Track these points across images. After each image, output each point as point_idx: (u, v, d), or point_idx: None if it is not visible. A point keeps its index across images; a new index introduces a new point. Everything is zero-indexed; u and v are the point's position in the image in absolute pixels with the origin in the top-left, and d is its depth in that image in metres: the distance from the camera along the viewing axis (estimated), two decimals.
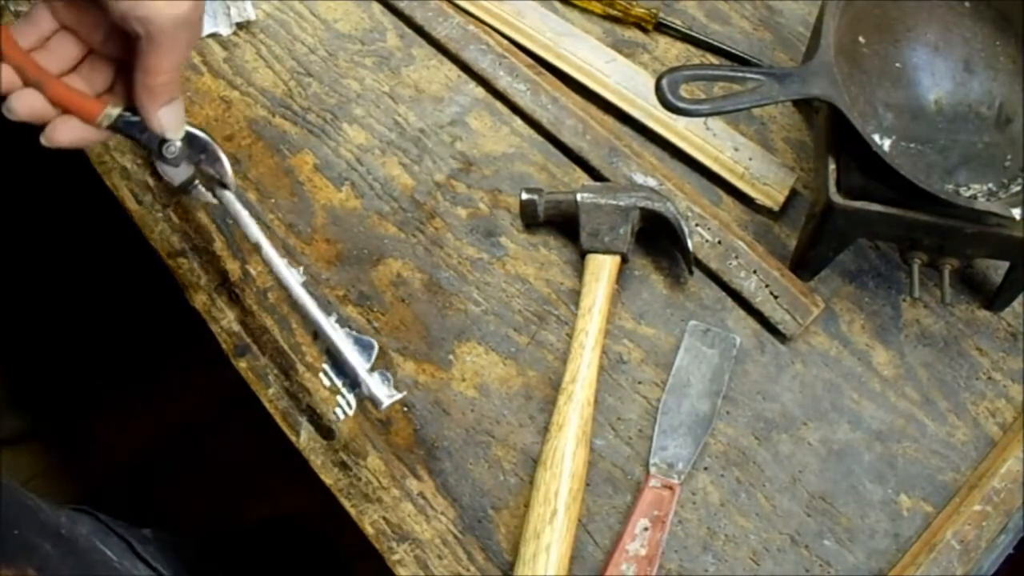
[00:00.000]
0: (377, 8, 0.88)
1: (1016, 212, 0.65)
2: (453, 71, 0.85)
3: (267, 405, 0.72)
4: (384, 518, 0.67)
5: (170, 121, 0.61)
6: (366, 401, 0.65)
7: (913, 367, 0.73)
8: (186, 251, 0.77)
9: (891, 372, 0.72)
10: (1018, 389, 0.72)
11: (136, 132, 0.62)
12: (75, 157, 0.83)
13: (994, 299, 0.74)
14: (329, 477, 0.69)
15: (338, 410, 0.66)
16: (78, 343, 1.32)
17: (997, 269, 0.75)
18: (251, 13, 0.87)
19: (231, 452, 1.30)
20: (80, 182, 0.89)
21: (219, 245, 0.77)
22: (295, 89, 0.84)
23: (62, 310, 1.33)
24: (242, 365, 0.73)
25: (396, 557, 0.66)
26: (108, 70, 0.62)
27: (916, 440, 0.70)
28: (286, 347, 0.73)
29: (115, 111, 0.61)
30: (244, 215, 0.67)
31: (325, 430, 0.70)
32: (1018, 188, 0.71)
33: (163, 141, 0.63)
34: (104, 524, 0.77)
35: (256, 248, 0.67)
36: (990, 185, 0.72)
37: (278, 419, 0.71)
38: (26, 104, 0.58)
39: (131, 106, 0.62)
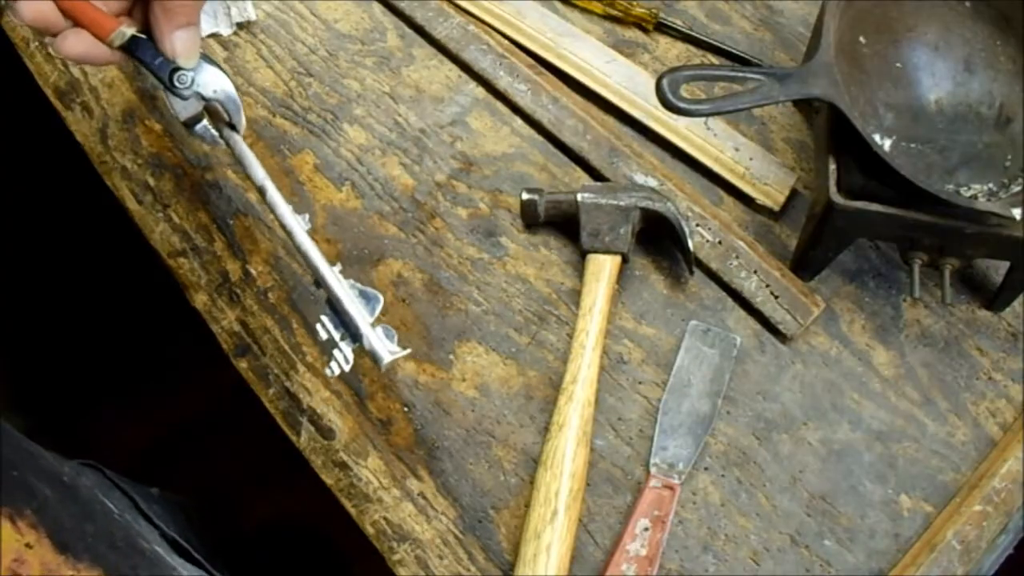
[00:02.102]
0: (378, 8, 0.88)
1: (1016, 212, 0.65)
2: (454, 71, 0.85)
3: (268, 405, 0.72)
4: (385, 518, 0.67)
5: (184, 46, 0.59)
6: (366, 357, 0.61)
7: (913, 367, 0.73)
8: (187, 251, 0.77)
9: (891, 372, 0.72)
10: (1018, 389, 0.72)
11: (148, 57, 0.60)
12: (75, 157, 0.83)
13: (994, 299, 0.74)
14: (330, 477, 0.69)
15: (333, 364, 0.61)
16: (79, 343, 1.32)
17: (997, 269, 0.75)
18: (252, 13, 0.87)
19: (231, 452, 1.30)
20: (81, 182, 0.89)
21: (220, 245, 0.77)
22: (296, 89, 0.84)
23: (63, 310, 1.33)
24: (243, 365, 0.73)
25: (397, 557, 0.66)
26: None
27: (916, 440, 0.70)
28: (287, 347, 0.73)
29: (129, 31, 0.59)
30: (250, 156, 0.64)
31: (326, 430, 0.70)
32: (1018, 188, 0.71)
33: (175, 70, 0.60)
34: (109, 480, 0.77)
35: (261, 191, 0.64)
36: (990, 185, 0.72)
37: (279, 419, 0.71)
38: (34, 8, 0.56)
39: (146, 30, 0.60)
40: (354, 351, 0.61)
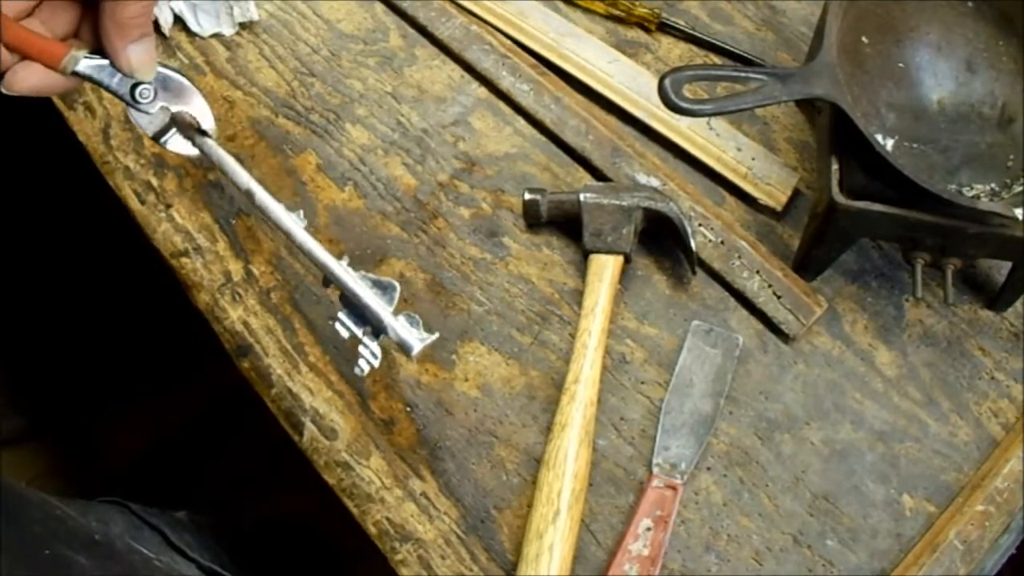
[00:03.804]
0: (380, 8, 0.88)
1: (1019, 212, 0.65)
2: (456, 71, 0.85)
3: (270, 405, 0.72)
4: (387, 518, 0.67)
5: (140, 59, 0.57)
6: (393, 350, 0.59)
7: (916, 367, 0.73)
8: (189, 251, 0.77)
9: (894, 372, 0.72)
10: (1020, 389, 0.72)
11: (105, 77, 0.57)
12: (76, 156, 0.83)
13: (997, 299, 0.74)
14: (332, 477, 0.69)
15: (362, 362, 0.59)
16: (80, 343, 1.32)
17: (1000, 269, 0.75)
18: (254, 13, 0.87)
19: (233, 452, 1.30)
20: (83, 182, 0.89)
21: (222, 245, 0.77)
22: (298, 89, 0.84)
23: (64, 310, 1.33)
24: (245, 365, 0.73)
25: (399, 557, 0.66)
26: (71, 13, 0.57)
27: (919, 440, 0.70)
28: (289, 347, 0.73)
29: (80, 53, 0.56)
30: (229, 161, 0.61)
31: (328, 430, 0.70)
32: (1020, 188, 0.71)
33: (135, 85, 0.58)
34: (136, 515, 0.76)
35: (248, 196, 0.60)
36: (993, 185, 0.73)
37: (281, 419, 0.71)
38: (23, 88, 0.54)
39: (98, 50, 0.57)
40: (381, 344, 0.59)
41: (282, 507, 1.25)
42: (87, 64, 0.56)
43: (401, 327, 0.58)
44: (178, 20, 0.86)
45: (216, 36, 0.87)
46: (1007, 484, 0.67)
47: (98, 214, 0.99)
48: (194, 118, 0.60)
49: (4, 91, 0.55)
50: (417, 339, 0.58)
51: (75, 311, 1.33)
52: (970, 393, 0.72)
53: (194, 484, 1.30)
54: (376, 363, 0.59)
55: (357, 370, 0.60)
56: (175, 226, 0.78)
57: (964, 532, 0.65)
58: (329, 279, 0.60)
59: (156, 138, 0.60)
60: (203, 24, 0.86)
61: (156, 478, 1.31)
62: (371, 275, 0.59)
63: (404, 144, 0.82)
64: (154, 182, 0.80)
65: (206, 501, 1.28)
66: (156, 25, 0.85)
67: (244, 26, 0.87)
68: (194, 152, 0.61)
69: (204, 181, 0.80)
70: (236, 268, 0.76)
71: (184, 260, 0.77)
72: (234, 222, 0.78)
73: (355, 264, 0.76)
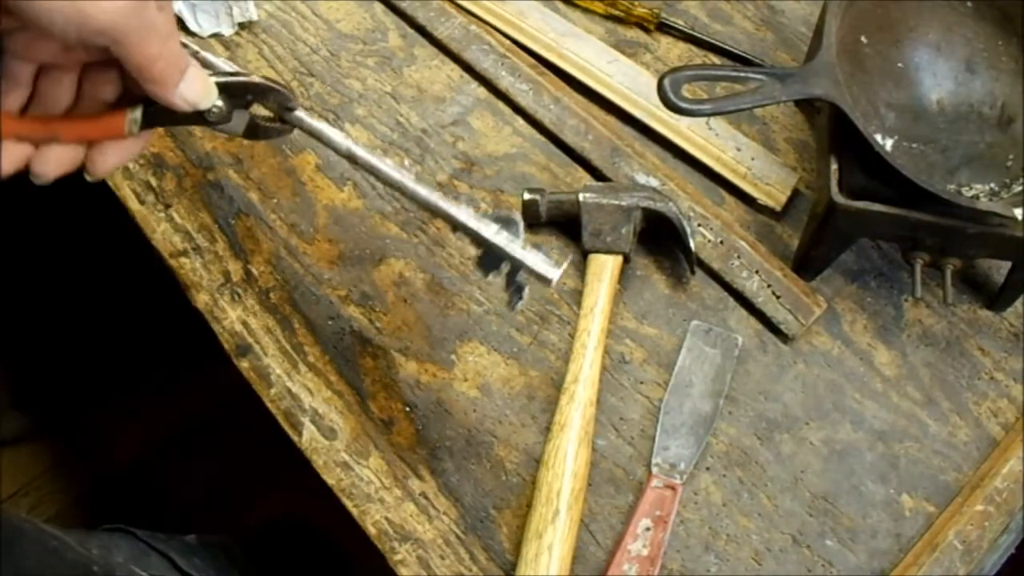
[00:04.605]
0: (379, 8, 0.88)
1: (1018, 212, 0.65)
2: (455, 71, 0.85)
3: (269, 405, 0.72)
4: (386, 518, 0.67)
5: (194, 93, 0.55)
6: (531, 283, 0.58)
7: (915, 367, 0.73)
8: (188, 251, 0.77)
9: (893, 372, 0.72)
10: (1020, 389, 0.72)
11: (171, 118, 0.56)
12: None
13: (996, 299, 0.74)
14: (331, 477, 0.69)
15: (517, 301, 0.59)
16: (80, 343, 1.32)
17: (999, 269, 0.75)
18: (253, 13, 0.87)
19: (233, 452, 1.30)
20: (82, 182, 0.89)
21: (221, 245, 0.77)
22: (297, 89, 0.84)
23: (64, 310, 1.33)
24: (244, 365, 0.73)
25: (398, 557, 0.66)
26: (111, 73, 0.56)
27: (918, 440, 0.70)
28: (288, 347, 0.73)
29: (138, 111, 0.55)
30: (325, 127, 0.60)
31: (327, 430, 0.70)
32: (1020, 188, 0.71)
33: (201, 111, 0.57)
34: (142, 541, 0.75)
35: (350, 157, 0.60)
36: (992, 185, 0.73)
37: (280, 419, 0.71)
38: (52, 162, 0.53)
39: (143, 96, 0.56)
40: (523, 280, 0.59)
41: (281, 507, 1.25)
42: (149, 116, 0.55)
43: (535, 259, 0.58)
44: (177, 20, 0.86)
45: (215, 36, 0.87)
46: (1007, 484, 0.67)
47: (97, 214, 0.99)
48: (272, 102, 0.59)
49: (90, 180, 0.55)
50: (554, 269, 0.57)
51: (75, 311, 1.33)
52: (969, 393, 0.72)
53: (194, 484, 1.30)
54: (527, 295, 0.59)
55: (511, 308, 0.60)
56: (174, 226, 0.78)
57: (964, 532, 0.65)
58: (456, 226, 0.60)
59: (250, 136, 0.60)
60: (202, 24, 0.86)
61: (156, 478, 1.31)
62: (492, 212, 0.59)
63: (403, 144, 0.82)
64: (153, 182, 0.80)
65: (206, 501, 1.28)
66: (230, 16, 0.85)
67: (243, 26, 0.87)
68: (290, 132, 0.60)
69: (203, 181, 0.80)
70: (235, 268, 0.76)
71: (183, 260, 0.77)
72: (233, 222, 0.78)
73: (354, 263, 0.76)
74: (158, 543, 0.75)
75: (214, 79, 0.57)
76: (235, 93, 0.58)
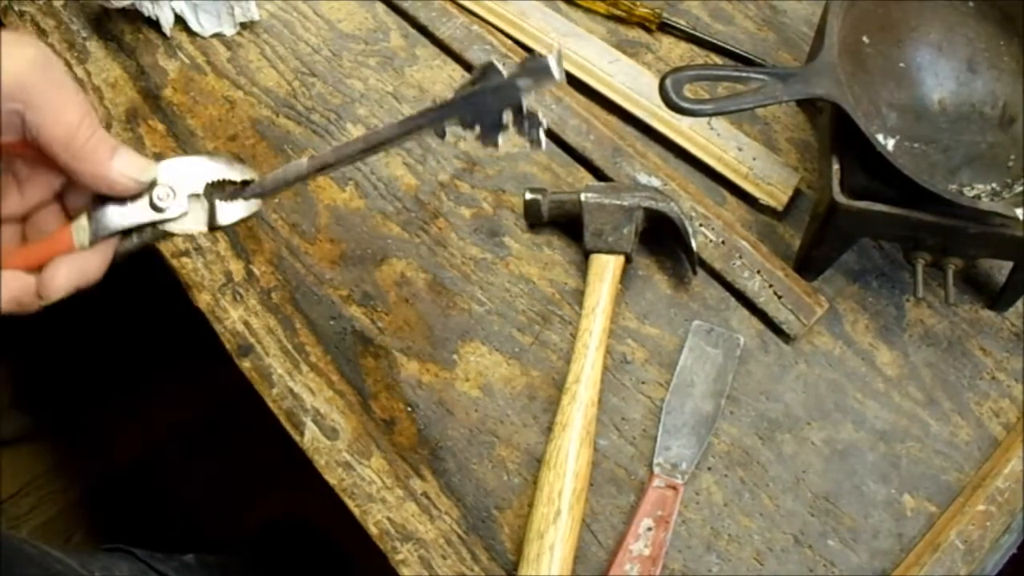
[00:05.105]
0: (381, 8, 0.88)
1: (1019, 212, 0.65)
2: (457, 71, 0.85)
3: (271, 405, 0.72)
4: (388, 518, 0.67)
5: (132, 167, 0.51)
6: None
7: (917, 367, 0.73)
8: (190, 251, 0.77)
9: (895, 372, 0.72)
10: (1021, 389, 0.72)
11: (121, 218, 0.51)
12: None
13: (997, 299, 0.74)
14: (333, 477, 0.69)
15: (536, 134, 0.52)
16: (80, 343, 1.32)
17: (1001, 269, 0.75)
18: (255, 13, 0.87)
19: (234, 452, 1.30)
20: None
21: (223, 245, 0.77)
22: (299, 89, 0.84)
23: (64, 310, 1.33)
24: (246, 365, 0.73)
25: (400, 557, 0.66)
26: (45, 175, 0.52)
27: (920, 440, 0.70)
28: (290, 347, 0.73)
29: (83, 219, 0.51)
30: (283, 176, 0.55)
31: (329, 430, 0.70)
32: (1021, 188, 0.71)
33: (150, 200, 0.52)
34: (142, 562, 0.75)
35: (312, 174, 0.55)
36: (993, 185, 0.73)
37: (282, 419, 0.71)
38: (7, 297, 0.49)
39: (93, 199, 0.51)
40: (532, 107, 0.52)
41: (282, 507, 1.25)
42: (96, 222, 0.51)
43: (525, 69, 0.51)
44: (179, 20, 0.86)
45: (217, 36, 0.87)
46: (1008, 484, 0.67)
47: None
48: (225, 180, 0.54)
49: (43, 303, 0.51)
50: (550, 62, 0.50)
51: (75, 311, 1.33)
52: (971, 393, 0.72)
53: (194, 484, 1.30)
54: (543, 120, 0.52)
55: (540, 146, 0.53)
56: None
57: (965, 532, 0.65)
58: (434, 121, 0.53)
59: (214, 228, 0.55)
60: (204, 24, 0.86)
61: (157, 478, 1.31)
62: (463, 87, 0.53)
63: (405, 144, 0.82)
64: None
65: (206, 501, 1.28)
66: (157, 25, 0.85)
67: (245, 26, 0.87)
68: (253, 208, 0.55)
69: None
70: (237, 268, 0.76)
71: (185, 260, 0.77)
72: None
73: (356, 263, 0.76)
74: (157, 563, 0.75)
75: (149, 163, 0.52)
76: (179, 174, 0.53)
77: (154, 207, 0.52)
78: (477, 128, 0.52)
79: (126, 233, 0.53)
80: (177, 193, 0.53)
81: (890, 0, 0.75)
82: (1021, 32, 0.75)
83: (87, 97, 0.49)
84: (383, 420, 0.71)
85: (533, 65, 0.51)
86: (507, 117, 0.52)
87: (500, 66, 0.52)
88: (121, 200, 0.52)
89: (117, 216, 0.52)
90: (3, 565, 0.60)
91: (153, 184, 0.53)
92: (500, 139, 0.52)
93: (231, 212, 0.54)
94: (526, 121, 0.52)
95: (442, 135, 0.54)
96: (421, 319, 0.74)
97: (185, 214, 0.54)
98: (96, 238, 0.51)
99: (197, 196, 0.54)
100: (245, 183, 0.55)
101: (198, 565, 0.80)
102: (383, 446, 0.70)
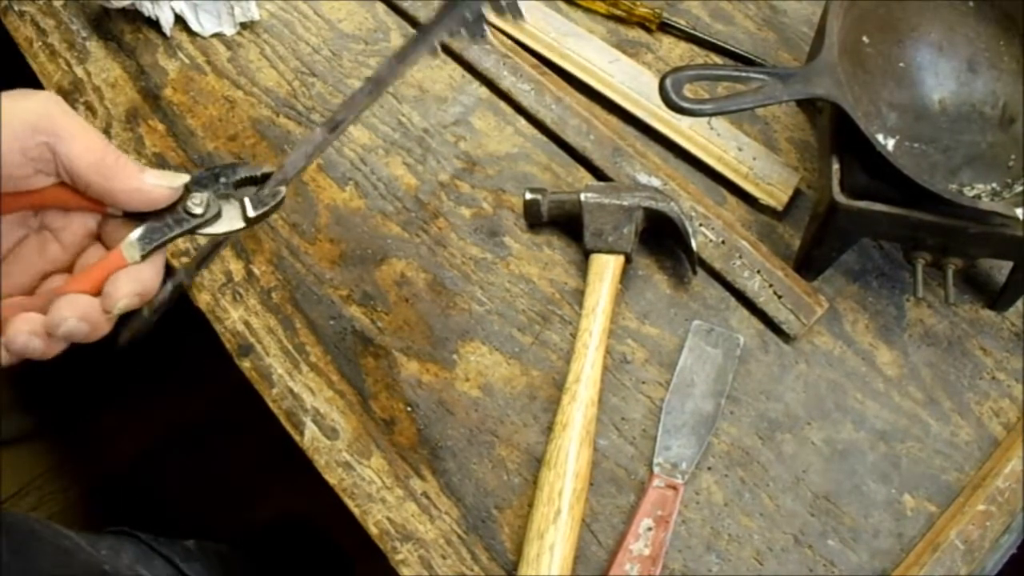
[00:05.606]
0: (381, 8, 0.88)
1: (1020, 212, 0.65)
2: (457, 71, 0.85)
3: (271, 405, 0.72)
4: (388, 518, 0.67)
5: (162, 177, 0.53)
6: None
7: (917, 367, 0.73)
8: (189, 251, 0.77)
9: (895, 372, 0.72)
10: (1021, 389, 0.72)
11: (160, 229, 0.53)
12: None
13: (998, 299, 0.74)
14: (333, 477, 0.69)
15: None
16: (80, 343, 1.32)
17: (1001, 269, 0.75)
18: (255, 13, 0.87)
19: (234, 452, 1.30)
20: None
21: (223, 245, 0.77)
22: (299, 89, 0.84)
23: None
24: (246, 365, 0.73)
25: (400, 557, 0.66)
26: (80, 216, 0.54)
27: (920, 440, 0.70)
28: (290, 347, 0.73)
29: (130, 237, 0.53)
30: (296, 155, 0.57)
31: (329, 430, 0.70)
32: (1021, 188, 0.71)
33: (184, 209, 0.54)
34: (146, 544, 0.76)
35: (321, 147, 0.57)
36: (994, 185, 0.73)
37: (282, 419, 0.71)
38: (74, 316, 0.51)
39: (131, 216, 0.54)
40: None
41: (282, 507, 1.25)
42: (146, 236, 0.53)
43: None
44: (179, 20, 0.86)
45: (217, 36, 0.87)
46: (1008, 484, 0.67)
47: None
48: (247, 175, 0.57)
49: (111, 319, 0.52)
50: None
51: None
52: (971, 393, 0.72)
53: (194, 484, 1.30)
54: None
55: (519, 15, 0.57)
56: None
57: (965, 532, 0.65)
58: (424, 42, 0.56)
59: (250, 222, 0.56)
60: (204, 24, 0.86)
61: (158, 478, 1.31)
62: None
63: (405, 144, 0.82)
64: None
65: (206, 501, 1.28)
66: (157, 25, 0.85)
67: (245, 26, 0.87)
68: (281, 195, 0.57)
69: None
70: (237, 268, 0.76)
71: (184, 260, 0.77)
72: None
73: (356, 263, 0.76)
74: (161, 547, 0.76)
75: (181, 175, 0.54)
76: (205, 182, 0.55)
77: (190, 214, 0.55)
78: (463, 31, 0.55)
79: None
80: (207, 198, 0.55)
81: (890, 0, 0.75)
82: (1021, 32, 0.75)
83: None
84: (383, 420, 0.71)
85: None
86: (485, 8, 0.55)
87: None
88: (158, 214, 0.54)
89: (159, 228, 0.54)
90: (18, 542, 0.61)
91: (183, 196, 0.55)
92: (486, 29, 0.56)
93: (261, 204, 0.56)
94: (502, 1, 0.56)
95: (434, 52, 0.57)
96: (421, 319, 0.74)
97: (219, 215, 0.56)
98: (146, 252, 0.53)
99: (226, 197, 0.56)
100: (266, 175, 0.57)
101: (199, 551, 0.81)
102: (383, 446, 0.70)
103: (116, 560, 0.67)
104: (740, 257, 0.74)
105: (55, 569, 0.61)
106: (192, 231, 0.55)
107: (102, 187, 0.51)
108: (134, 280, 0.53)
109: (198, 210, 0.55)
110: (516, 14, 0.56)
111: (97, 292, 0.52)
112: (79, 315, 0.51)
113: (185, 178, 0.55)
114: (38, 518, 0.68)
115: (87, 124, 0.52)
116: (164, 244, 0.54)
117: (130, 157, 0.53)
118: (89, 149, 0.50)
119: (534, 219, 0.76)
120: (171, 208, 0.54)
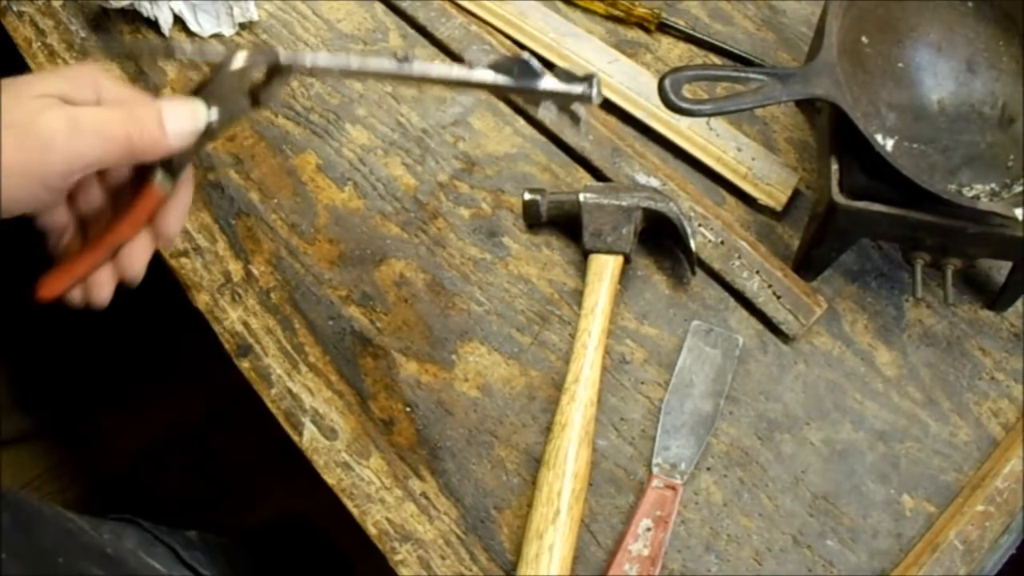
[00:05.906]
0: (380, 8, 0.88)
1: (1019, 212, 0.65)
2: None
3: (270, 405, 0.72)
4: (387, 518, 0.67)
5: (183, 123, 0.55)
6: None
7: (916, 367, 0.73)
8: (189, 251, 0.77)
9: (894, 372, 0.72)
10: (1021, 389, 0.72)
11: (186, 155, 0.55)
12: None
13: (997, 299, 0.74)
14: (332, 477, 0.69)
15: (583, 124, 0.59)
16: (80, 343, 1.32)
17: (1000, 269, 0.75)
18: (254, 13, 0.87)
19: (233, 452, 1.30)
20: None
21: (222, 245, 0.77)
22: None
23: (64, 310, 1.33)
24: (245, 365, 0.73)
25: (399, 557, 0.66)
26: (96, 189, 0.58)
27: (919, 440, 0.70)
28: (289, 347, 0.73)
29: (158, 174, 0.55)
30: (314, 57, 0.56)
31: (328, 430, 0.70)
32: (1020, 188, 0.71)
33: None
34: (149, 532, 0.76)
35: (352, 71, 0.57)
36: (993, 185, 0.72)
37: (281, 419, 0.71)
38: (143, 265, 0.57)
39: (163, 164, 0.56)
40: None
41: (281, 507, 1.25)
42: (171, 169, 0.55)
43: (569, 87, 0.57)
44: (178, 20, 0.86)
45: (216, 36, 0.87)
46: (1007, 484, 0.67)
47: None
48: (256, 67, 0.56)
49: (166, 247, 0.57)
50: (587, 88, 0.57)
51: (76, 311, 1.33)
52: (970, 393, 0.72)
53: (194, 484, 1.30)
54: (582, 115, 0.59)
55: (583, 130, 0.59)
56: None
57: (964, 532, 0.65)
58: (477, 86, 0.57)
59: (256, 103, 0.57)
60: (203, 24, 0.86)
61: (157, 478, 1.31)
62: (500, 60, 0.57)
63: (404, 144, 0.82)
64: None
65: (206, 501, 1.28)
66: (156, 25, 0.85)
67: (244, 26, 0.87)
68: (287, 77, 0.57)
69: (204, 181, 0.80)
70: (236, 268, 0.76)
71: (184, 260, 0.77)
72: (234, 222, 0.78)
73: (355, 264, 0.76)
74: (162, 535, 0.76)
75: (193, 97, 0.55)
76: (219, 93, 0.56)
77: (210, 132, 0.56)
78: (564, 114, 0.59)
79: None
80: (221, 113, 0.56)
81: (889, 0, 0.75)
82: (1021, 32, 0.75)
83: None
84: (382, 420, 0.71)
85: (574, 94, 0.57)
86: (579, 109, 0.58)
87: (539, 75, 0.57)
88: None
89: (184, 155, 0.56)
90: (20, 520, 0.61)
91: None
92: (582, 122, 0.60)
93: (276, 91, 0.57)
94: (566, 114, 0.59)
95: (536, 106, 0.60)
96: (420, 319, 0.74)
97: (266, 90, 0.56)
98: (175, 182, 0.56)
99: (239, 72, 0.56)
100: (274, 66, 0.56)
101: (200, 542, 0.81)
102: (382, 446, 0.70)
103: (118, 544, 0.68)
104: (739, 257, 0.74)
105: (59, 549, 0.61)
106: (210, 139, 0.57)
107: (124, 139, 0.53)
108: (181, 205, 0.57)
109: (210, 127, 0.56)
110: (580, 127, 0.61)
111: (142, 229, 0.57)
112: (145, 264, 0.58)
113: (203, 112, 0.55)
114: (43, 500, 0.68)
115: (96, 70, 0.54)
116: (186, 164, 0.56)
117: (140, 101, 0.54)
118: (110, 93, 0.53)
119: (533, 219, 0.76)
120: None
